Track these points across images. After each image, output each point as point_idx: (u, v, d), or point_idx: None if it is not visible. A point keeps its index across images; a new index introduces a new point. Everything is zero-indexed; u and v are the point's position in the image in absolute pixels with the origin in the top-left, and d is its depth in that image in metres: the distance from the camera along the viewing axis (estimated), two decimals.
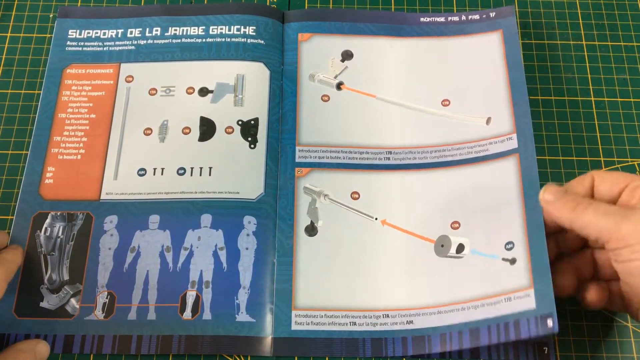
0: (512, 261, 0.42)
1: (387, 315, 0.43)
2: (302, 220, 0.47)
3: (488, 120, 0.48)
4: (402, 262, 0.45)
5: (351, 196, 0.47)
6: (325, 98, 0.51)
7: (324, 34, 0.53)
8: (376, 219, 0.47)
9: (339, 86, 0.51)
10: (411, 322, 0.43)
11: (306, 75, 0.51)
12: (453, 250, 0.44)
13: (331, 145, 0.49)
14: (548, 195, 0.40)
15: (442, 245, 0.45)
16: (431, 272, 0.44)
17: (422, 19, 0.53)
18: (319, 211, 0.47)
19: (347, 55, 0.52)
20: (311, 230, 0.46)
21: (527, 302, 0.40)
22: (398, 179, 0.48)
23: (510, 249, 0.42)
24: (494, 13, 0.52)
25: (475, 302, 0.42)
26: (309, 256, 0.45)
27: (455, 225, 0.45)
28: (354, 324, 0.43)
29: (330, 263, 0.45)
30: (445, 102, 0.50)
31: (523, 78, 0.48)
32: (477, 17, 0.53)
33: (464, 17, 0.53)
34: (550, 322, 0.38)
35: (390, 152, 0.49)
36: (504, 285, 0.41)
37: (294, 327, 0.43)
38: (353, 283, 0.45)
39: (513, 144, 0.46)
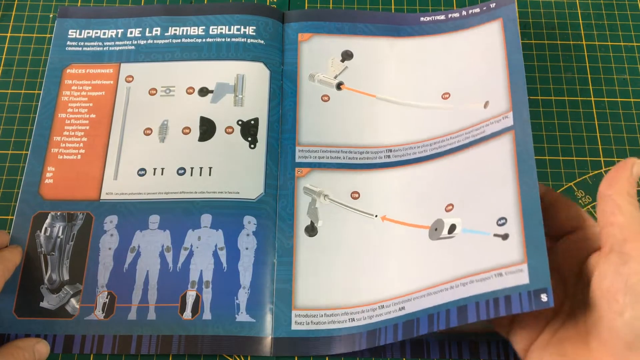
0: (504, 237, 0.40)
1: (383, 306, 0.43)
2: (302, 220, 0.47)
3: (486, 104, 0.47)
4: (400, 253, 0.45)
5: (351, 196, 0.47)
6: (325, 98, 0.51)
7: (323, 34, 0.53)
8: (376, 216, 0.46)
9: (339, 86, 0.51)
10: (403, 308, 0.42)
11: (306, 75, 0.51)
12: (445, 231, 0.44)
13: (331, 145, 0.49)
14: (639, 169, 0.38)
15: (436, 229, 0.44)
16: (424, 256, 0.44)
17: (422, 19, 0.53)
18: (319, 211, 0.47)
19: (347, 55, 0.52)
20: (311, 230, 0.46)
21: (519, 277, 0.38)
22: (398, 175, 0.48)
23: (503, 224, 0.41)
24: (494, 4, 0.51)
25: (464, 280, 0.40)
26: (309, 256, 0.45)
27: (449, 207, 0.44)
28: (353, 320, 0.43)
29: (330, 262, 0.45)
30: (446, 96, 0.49)
31: (521, 60, 0.47)
32: (477, 10, 0.52)
33: (464, 13, 0.52)
34: (544, 297, 0.36)
35: (390, 150, 0.49)
36: (494, 261, 0.40)
37: (293, 327, 0.43)
38: (353, 281, 0.45)
39: (509, 122, 0.44)
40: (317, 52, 0.52)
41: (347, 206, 0.47)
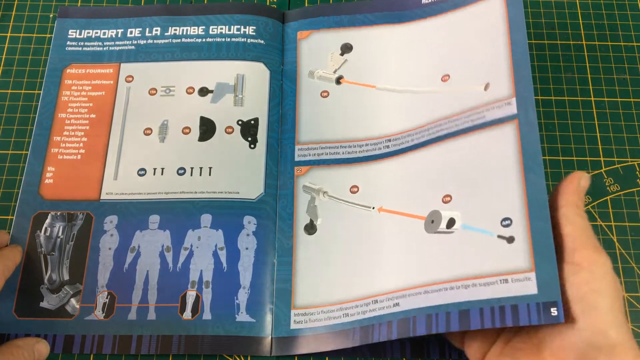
0: (510, 240, 0.38)
1: (376, 301, 0.42)
2: (302, 219, 0.46)
3: (486, 87, 0.44)
4: (396, 244, 0.44)
5: (350, 190, 0.47)
6: (324, 94, 0.50)
7: (322, 30, 0.52)
8: (373, 208, 0.46)
9: (338, 80, 0.50)
10: (397, 304, 0.41)
11: (306, 74, 0.51)
12: (443, 225, 0.41)
13: (330, 142, 0.48)
14: (586, 184, 0.39)
15: (432, 221, 0.42)
16: (419, 250, 0.42)
17: (423, 1, 0.51)
18: (318, 209, 0.47)
19: (346, 48, 0.51)
20: (310, 228, 0.46)
21: (527, 286, 0.36)
22: (396, 164, 0.46)
23: (507, 225, 0.39)
24: None
25: (465, 282, 0.38)
26: (308, 255, 0.45)
27: (446, 199, 0.42)
28: (347, 315, 0.42)
29: (329, 260, 0.45)
30: (445, 78, 0.47)
31: (525, 39, 0.44)
32: None
33: None
34: (554, 311, 0.35)
35: (389, 140, 0.47)
36: (499, 265, 0.38)
37: (292, 326, 0.43)
38: (350, 276, 0.44)
39: (512, 109, 0.42)
40: (316, 49, 0.52)
41: (346, 201, 0.46)
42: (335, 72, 0.51)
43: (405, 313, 0.40)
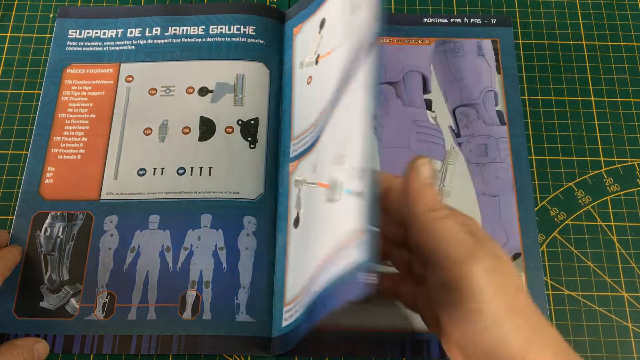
0: (357, 194, 0.30)
1: (303, 291, 0.38)
2: (294, 214, 0.45)
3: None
4: (318, 222, 0.39)
5: (315, 169, 0.43)
6: (309, 80, 0.49)
7: (309, 18, 0.51)
8: (314, 184, 0.42)
9: (317, 60, 0.48)
10: (309, 289, 0.37)
11: (299, 68, 0.50)
12: (338, 192, 0.34)
13: (311, 126, 0.46)
14: (427, 173, 0.32)
15: (331, 188, 0.36)
16: (318, 224, 0.37)
17: None
18: (302, 200, 0.45)
19: (322, 25, 0.48)
20: (296, 221, 0.45)
21: (358, 252, 0.28)
22: (329, 126, 0.40)
23: (358, 177, 0.31)
24: None
25: (327, 261, 0.33)
26: (295, 249, 0.44)
27: (343, 159, 0.34)
28: (298, 310, 0.40)
29: (303, 249, 0.43)
30: None
31: None
32: None
33: None
34: (364, 277, 0.27)
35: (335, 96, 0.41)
36: (345, 231, 0.31)
37: (283, 324, 0.43)
38: (303, 264, 0.41)
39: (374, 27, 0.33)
40: (307, 39, 0.50)
41: (308, 183, 0.44)
42: (315, 52, 0.48)
43: (313, 299, 0.36)
